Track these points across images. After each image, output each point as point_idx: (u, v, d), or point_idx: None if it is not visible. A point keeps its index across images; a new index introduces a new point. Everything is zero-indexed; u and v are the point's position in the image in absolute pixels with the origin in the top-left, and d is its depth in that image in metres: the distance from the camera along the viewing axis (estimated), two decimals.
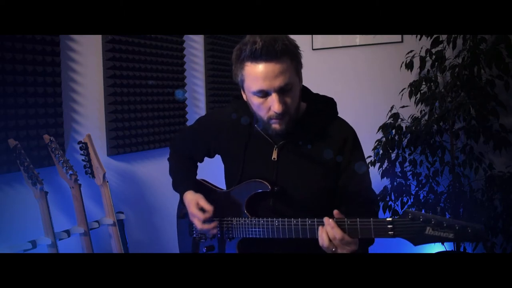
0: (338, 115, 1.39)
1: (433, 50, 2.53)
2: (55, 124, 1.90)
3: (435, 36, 2.49)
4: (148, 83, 2.39)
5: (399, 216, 1.10)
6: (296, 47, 1.23)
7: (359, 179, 1.33)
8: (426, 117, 2.55)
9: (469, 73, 2.38)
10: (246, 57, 1.19)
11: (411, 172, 2.65)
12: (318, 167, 1.32)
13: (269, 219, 1.28)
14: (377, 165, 2.62)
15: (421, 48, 2.59)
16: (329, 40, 3.21)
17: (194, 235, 1.51)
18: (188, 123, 2.72)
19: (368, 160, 2.54)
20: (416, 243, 1.07)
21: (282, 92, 1.20)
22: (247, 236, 1.34)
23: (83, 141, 1.93)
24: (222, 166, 1.50)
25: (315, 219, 1.20)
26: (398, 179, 2.64)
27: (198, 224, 1.37)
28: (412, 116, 2.66)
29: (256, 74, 1.18)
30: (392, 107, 2.66)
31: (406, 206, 2.63)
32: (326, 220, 1.16)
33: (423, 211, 2.51)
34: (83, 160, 1.94)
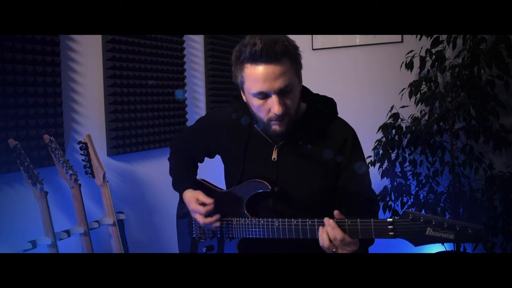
0: (338, 115, 1.39)
1: (433, 50, 2.53)
2: (55, 124, 1.90)
3: (435, 36, 2.49)
4: (148, 83, 2.39)
5: (399, 217, 1.10)
6: (296, 48, 1.22)
7: (359, 179, 1.33)
8: (426, 117, 2.55)
9: (469, 73, 2.38)
10: (245, 58, 1.19)
11: (411, 172, 2.65)
12: (318, 167, 1.32)
13: (269, 219, 1.28)
14: (377, 165, 2.62)
15: (421, 48, 2.59)
16: (329, 40, 3.21)
17: (194, 235, 1.51)
18: (188, 123, 2.72)
19: (368, 160, 2.54)
20: (416, 243, 1.07)
21: (282, 93, 1.20)
22: (247, 236, 1.34)
23: (83, 141, 1.93)
24: (222, 166, 1.50)
25: (315, 220, 1.20)
26: (398, 179, 2.64)
27: (200, 219, 1.36)
28: (412, 116, 2.66)
29: (256, 76, 1.18)
30: (392, 107, 2.66)
31: (406, 206, 2.63)
32: (327, 220, 1.16)
33: (423, 211, 2.51)
34: (83, 160, 1.94)
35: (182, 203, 1.48)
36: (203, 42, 2.90)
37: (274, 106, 1.20)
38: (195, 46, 2.85)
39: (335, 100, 1.40)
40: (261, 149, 1.36)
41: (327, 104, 1.38)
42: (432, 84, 2.56)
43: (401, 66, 2.68)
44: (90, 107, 2.13)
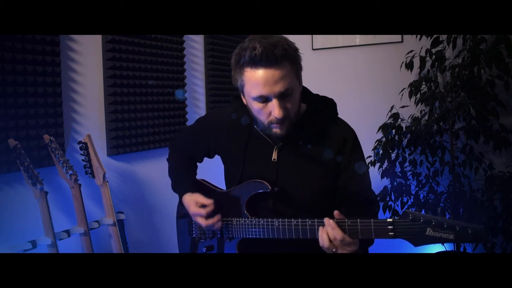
0: (338, 115, 1.39)
1: (433, 50, 2.52)
2: (55, 124, 1.90)
3: (435, 36, 2.49)
4: (148, 83, 2.39)
5: (399, 217, 1.10)
6: (295, 51, 1.22)
7: (359, 179, 1.33)
8: (426, 117, 2.55)
9: (469, 73, 2.38)
10: (245, 62, 1.18)
11: (411, 172, 2.65)
12: (318, 167, 1.32)
13: (269, 219, 1.28)
14: (377, 165, 2.62)
15: (421, 48, 2.59)
16: (329, 40, 3.21)
17: (194, 235, 1.51)
18: (188, 123, 2.72)
19: (368, 160, 2.54)
20: (416, 244, 1.07)
21: (282, 97, 1.20)
22: (247, 236, 1.34)
23: (83, 141, 1.93)
24: (222, 166, 1.50)
25: (315, 220, 1.20)
26: (398, 179, 2.64)
27: (202, 221, 1.36)
28: (412, 116, 2.66)
29: (256, 80, 1.18)
30: (392, 107, 2.66)
31: (406, 206, 2.63)
32: (327, 220, 1.16)
33: (423, 211, 2.51)
34: (83, 160, 1.94)
35: (181, 204, 1.48)
36: (203, 42, 2.90)
37: (274, 109, 1.20)
38: (195, 46, 2.85)
39: (335, 100, 1.40)
40: (261, 149, 1.36)
41: (327, 105, 1.38)
42: (432, 84, 2.56)
43: (401, 66, 2.68)
44: (90, 107, 2.13)
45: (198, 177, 1.58)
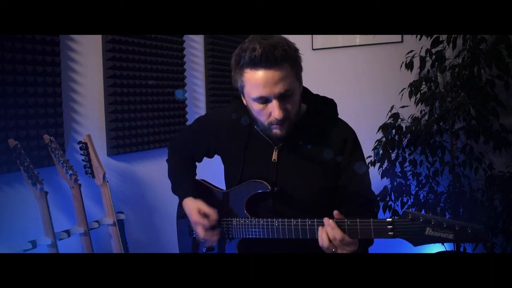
0: (338, 115, 1.39)
1: (433, 50, 2.53)
2: (55, 124, 1.90)
3: (435, 36, 2.49)
4: (148, 83, 2.39)
5: (399, 217, 1.10)
6: (296, 51, 1.22)
7: (359, 179, 1.33)
8: (426, 117, 2.55)
9: (469, 73, 2.38)
10: (245, 63, 1.18)
11: (411, 172, 2.65)
12: (318, 167, 1.32)
13: (269, 219, 1.28)
14: (377, 165, 2.62)
15: (421, 48, 2.59)
16: (329, 40, 3.21)
17: (194, 235, 1.51)
18: (188, 123, 2.72)
19: (368, 160, 2.54)
20: (415, 243, 1.07)
21: (282, 98, 1.20)
22: (247, 236, 1.34)
23: (83, 141, 1.93)
24: (222, 166, 1.50)
25: (315, 220, 1.20)
26: (398, 179, 2.64)
27: (201, 232, 1.35)
28: (412, 116, 2.66)
29: (256, 81, 1.18)
30: (392, 107, 2.66)
31: (406, 206, 2.63)
32: (326, 220, 1.16)
33: (423, 211, 2.51)
34: (83, 160, 1.94)
35: (182, 205, 1.48)
36: (203, 42, 2.90)
37: (274, 110, 1.20)
38: (195, 46, 2.85)
39: (335, 100, 1.40)
40: (261, 150, 1.36)
41: (327, 105, 1.38)
42: (432, 84, 2.56)
43: (401, 66, 2.68)
44: (90, 107, 2.13)
45: (198, 177, 1.58)
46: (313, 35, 3.24)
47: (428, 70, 2.60)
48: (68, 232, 1.83)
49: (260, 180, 1.33)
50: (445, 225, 1.02)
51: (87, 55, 2.10)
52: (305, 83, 1.33)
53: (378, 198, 2.61)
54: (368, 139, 2.48)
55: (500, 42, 2.28)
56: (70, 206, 1.88)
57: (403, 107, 2.66)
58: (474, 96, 2.36)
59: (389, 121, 2.64)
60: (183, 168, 1.55)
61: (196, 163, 1.60)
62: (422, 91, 2.58)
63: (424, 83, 2.56)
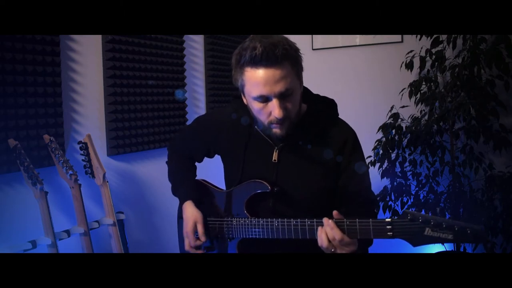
0: (339, 115, 1.39)
1: (433, 50, 2.52)
2: (55, 124, 1.90)
3: (435, 36, 2.49)
4: (148, 83, 2.39)
5: (398, 217, 1.10)
6: (296, 51, 1.22)
7: (359, 179, 1.33)
8: (426, 117, 2.55)
9: (469, 73, 2.38)
10: (246, 62, 1.18)
11: (411, 172, 2.65)
12: (318, 167, 1.32)
13: (269, 219, 1.28)
14: (377, 165, 2.62)
15: (421, 48, 2.59)
16: (329, 40, 3.21)
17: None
18: (188, 123, 2.72)
19: (368, 160, 2.54)
20: (415, 244, 1.07)
21: (282, 97, 1.20)
22: (247, 236, 1.34)
23: (83, 141, 1.93)
24: (222, 166, 1.50)
25: (315, 220, 1.20)
26: (398, 179, 2.64)
27: (186, 245, 1.42)
28: (412, 116, 2.66)
29: (257, 80, 1.18)
30: (392, 107, 2.66)
31: (406, 206, 2.63)
32: (326, 220, 1.16)
33: (423, 212, 2.51)
34: (83, 160, 1.94)
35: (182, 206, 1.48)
36: (203, 42, 2.90)
37: (274, 109, 1.20)
38: (195, 46, 2.85)
39: (335, 100, 1.40)
40: (261, 150, 1.36)
41: (328, 105, 1.38)
42: (432, 84, 2.56)
43: (401, 66, 2.68)
44: (90, 107, 2.13)
45: (198, 177, 1.58)
46: (313, 35, 3.24)
47: (428, 70, 2.60)
48: (68, 232, 1.83)
49: (260, 180, 1.33)
50: (444, 226, 1.02)
51: (87, 55, 2.10)
52: (305, 83, 1.33)
53: (378, 198, 2.61)
54: (368, 139, 2.47)
55: (500, 42, 2.28)
56: (70, 206, 1.88)
57: (403, 107, 2.66)
58: (474, 96, 2.36)
59: (389, 121, 2.64)
60: (183, 168, 1.55)
61: (196, 163, 1.60)
62: (422, 91, 2.58)
63: (424, 83, 2.56)
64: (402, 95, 2.66)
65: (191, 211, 1.41)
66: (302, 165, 1.32)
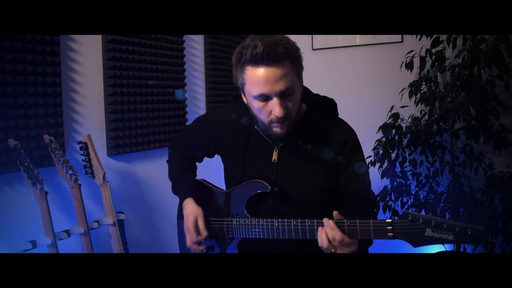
0: (338, 115, 1.39)
1: (433, 50, 2.52)
2: (55, 124, 1.90)
3: (435, 36, 2.49)
4: (148, 83, 2.39)
5: (398, 217, 1.10)
6: (297, 50, 1.22)
7: (359, 179, 1.33)
8: (426, 117, 2.55)
9: (469, 73, 2.38)
10: (246, 61, 1.18)
11: (411, 172, 2.65)
12: (318, 167, 1.32)
13: (269, 219, 1.28)
14: (377, 165, 2.62)
15: (421, 48, 2.59)
16: (329, 40, 3.21)
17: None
18: (188, 123, 2.72)
19: (368, 160, 2.54)
20: (415, 244, 1.07)
21: (283, 96, 1.20)
22: (247, 236, 1.34)
23: (83, 141, 1.93)
24: (222, 166, 1.50)
25: (315, 220, 1.20)
26: (398, 179, 2.64)
27: (188, 240, 1.41)
28: (412, 116, 2.66)
29: (257, 78, 1.18)
30: (392, 107, 2.66)
31: (406, 206, 2.63)
32: (326, 221, 1.16)
33: (423, 212, 2.51)
34: (83, 160, 1.94)
35: (182, 205, 1.48)
36: (203, 42, 2.90)
37: (275, 108, 1.20)
38: (195, 46, 2.85)
39: (335, 100, 1.40)
40: (261, 150, 1.36)
41: (328, 105, 1.38)
42: (432, 84, 2.56)
43: (401, 66, 2.68)
44: (90, 107, 2.13)
45: (198, 177, 1.58)
46: (313, 35, 3.24)
47: (428, 70, 2.60)
48: (68, 232, 1.83)
49: (260, 180, 1.33)
50: (445, 226, 1.02)
51: (87, 55, 2.10)
52: (305, 83, 1.33)
53: (378, 198, 2.61)
54: (368, 139, 2.47)
55: (500, 42, 2.28)
56: (70, 206, 1.88)
57: (403, 107, 2.66)
58: (474, 96, 2.36)
59: (389, 121, 2.64)
60: (183, 168, 1.55)
61: (197, 163, 1.60)
62: (422, 91, 2.58)
63: (424, 83, 2.56)
64: (402, 95, 2.66)
65: (191, 207, 1.41)
66: (302, 165, 1.32)
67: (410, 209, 2.59)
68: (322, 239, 1.16)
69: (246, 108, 1.34)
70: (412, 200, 2.63)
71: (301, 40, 1.38)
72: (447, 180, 2.55)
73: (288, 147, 1.34)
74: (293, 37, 1.25)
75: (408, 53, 2.66)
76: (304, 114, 1.33)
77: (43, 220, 1.71)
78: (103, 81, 2.18)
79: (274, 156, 1.34)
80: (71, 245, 1.91)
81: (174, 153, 1.61)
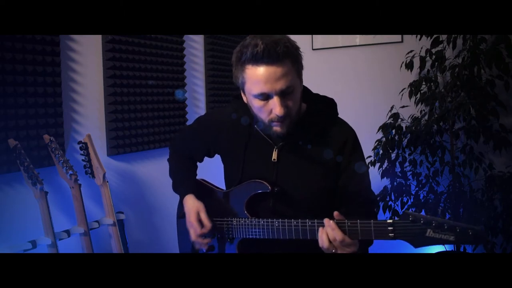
0: (338, 115, 1.39)
1: (433, 50, 2.52)
2: (55, 124, 1.90)
3: (435, 36, 2.49)
4: (148, 83, 2.39)
5: (399, 218, 1.09)
6: (297, 49, 1.22)
7: (359, 179, 1.33)
8: (426, 117, 2.55)
9: (469, 73, 2.38)
10: (247, 59, 1.18)
11: (411, 172, 2.65)
12: (318, 167, 1.32)
13: (269, 219, 1.28)
14: (377, 165, 2.62)
15: (421, 48, 2.59)
16: (329, 40, 3.21)
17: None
18: (188, 123, 2.72)
19: (368, 160, 2.54)
20: (416, 245, 1.07)
21: (283, 95, 1.20)
22: (247, 236, 1.34)
23: (83, 141, 1.93)
24: (222, 166, 1.50)
25: (315, 220, 1.20)
26: (398, 179, 2.64)
27: (192, 235, 1.39)
28: (412, 116, 2.66)
29: (258, 77, 1.18)
30: (392, 107, 2.66)
31: (406, 206, 2.63)
32: (327, 221, 1.16)
33: (423, 211, 2.51)
34: (83, 160, 1.94)
35: (182, 204, 1.48)
36: (203, 42, 2.90)
37: (275, 107, 1.20)
38: (195, 46, 2.85)
39: (335, 100, 1.40)
40: (261, 150, 1.36)
41: (328, 105, 1.38)
42: (432, 84, 2.56)
43: (401, 66, 2.68)
44: (90, 107, 2.13)
45: (198, 177, 1.58)
46: (313, 35, 3.24)
47: (428, 70, 2.60)
48: (68, 232, 1.83)
49: (260, 180, 1.33)
50: (446, 227, 1.02)
51: (87, 55, 2.10)
52: (305, 83, 1.33)
53: (378, 198, 2.61)
54: (368, 139, 2.48)
55: (500, 42, 2.28)
56: (70, 206, 1.88)
57: (403, 107, 2.66)
58: (474, 96, 2.36)
59: (389, 121, 2.64)
60: (183, 168, 1.55)
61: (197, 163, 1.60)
62: (422, 91, 2.58)
63: (424, 83, 2.56)
64: (402, 95, 2.66)
65: (192, 203, 1.41)
66: (302, 165, 1.32)
67: (410, 209, 2.59)
68: (322, 240, 1.16)
69: (246, 108, 1.33)
70: (412, 200, 2.63)
71: (301, 40, 1.38)
72: (447, 180, 2.55)
73: (288, 146, 1.34)
74: (293, 37, 1.25)
75: (408, 53, 2.66)
76: (304, 114, 1.33)
77: (43, 220, 1.71)
78: (103, 81, 2.18)
79: (274, 156, 1.34)
80: (71, 245, 1.91)
81: (175, 153, 1.61)
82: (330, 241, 1.15)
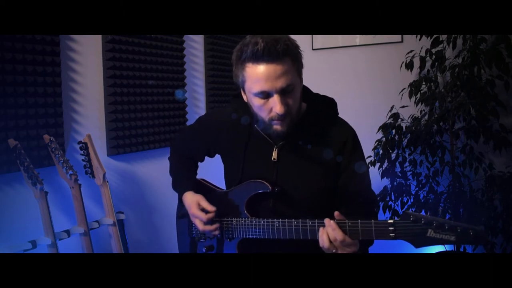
0: (338, 115, 1.39)
1: (433, 50, 2.53)
2: (55, 124, 1.90)
3: (435, 36, 2.49)
4: (148, 83, 2.39)
5: (400, 218, 1.09)
6: (297, 48, 1.22)
7: (359, 179, 1.33)
8: (426, 117, 2.55)
9: (469, 73, 2.38)
10: (247, 58, 1.18)
11: (411, 172, 2.65)
12: (318, 167, 1.31)
13: (269, 219, 1.28)
14: (377, 165, 2.62)
15: (421, 48, 2.59)
16: (329, 40, 3.21)
17: (194, 235, 1.51)
18: (188, 123, 2.72)
19: (368, 160, 2.54)
20: (417, 245, 1.07)
21: (283, 93, 1.20)
22: (247, 236, 1.34)
23: (83, 141, 1.93)
24: (222, 166, 1.50)
25: (316, 220, 1.20)
26: (398, 179, 2.64)
27: (199, 225, 1.37)
28: (412, 116, 2.66)
29: (258, 75, 1.18)
30: (392, 107, 2.66)
31: (406, 206, 2.63)
32: (327, 221, 1.16)
33: (423, 211, 2.51)
34: (83, 160, 1.94)
35: (181, 203, 1.48)
36: (203, 42, 2.90)
37: (276, 105, 1.19)
38: (195, 46, 2.85)
39: (335, 100, 1.40)
40: (261, 149, 1.36)
41: (328, 104, 1.38)
42: (432, 84, 2.56)
43: (401, 66, 2.68)
44: (90, 107, 2.13)
45: (198, 177, 1.58)
46: (313, 35, 3.24)
47: (428, 70, 2.60)
48: (68, 232, 1.83)
49: (260, 180, 1.32)
50: (447, 227, 1.02)
51: (87, 55, 2.10)
52: (305, 83, 1.33)
53: (378, 198, 2.61)
54: (368, 139, 2.47)
55: (500, 42, 2.28)
56: (70, 206, 1.88)
57: (403, 107, 2.66)
58: (474, 96, 2.36)
59: (389, 121, 2.64)
60: (183, 168, 1.55)
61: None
62: (422, 91, 2.58)
63: (424, 83, 2.56)
64: (402, 95, 2.66)
65: (191, 197, 1.41)
66: (302, 165, 1.32)
67: (410, 209, 2.59)
68: (323, 240, 1.16)
69: (246, 107, 1.33)
70: (412, 200, 2.63)
71: (301, 40, 1.38)
72: (447, 180, 2.55)
73: (288, 146, 1.33)
74: (293, 37, 1.25)
75: (408, 53, 2.66)
76: (304, 113, 1.33)
77: (43, 220, 1.71)
78: (103, 81, 2.18)
79: (274, 155, 1.34)
80: (71, 245, 1.91)
81: (175, 152, 1.61)
82: (330, 241, 1.15)
